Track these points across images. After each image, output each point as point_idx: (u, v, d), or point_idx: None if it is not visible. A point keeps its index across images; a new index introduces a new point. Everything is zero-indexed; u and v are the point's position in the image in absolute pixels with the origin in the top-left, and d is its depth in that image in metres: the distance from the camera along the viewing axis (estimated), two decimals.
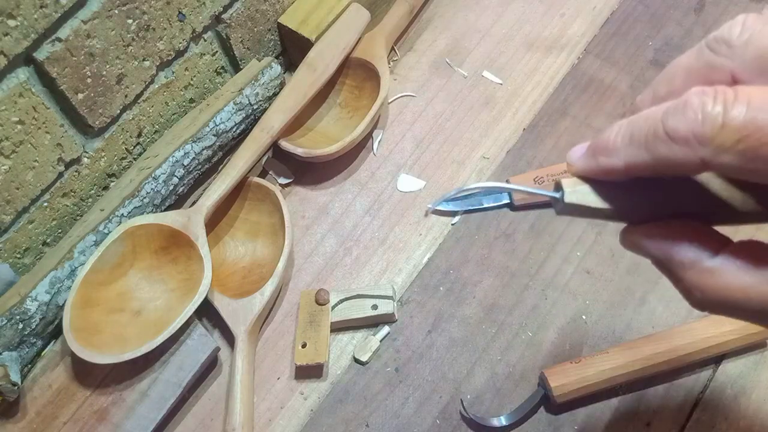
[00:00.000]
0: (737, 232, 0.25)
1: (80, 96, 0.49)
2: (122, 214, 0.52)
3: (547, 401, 0.48)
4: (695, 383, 0.49)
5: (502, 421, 0.47)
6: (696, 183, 0.26)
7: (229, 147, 0.59)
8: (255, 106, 0.58)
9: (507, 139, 0.61)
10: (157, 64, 0.54)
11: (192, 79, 0.58)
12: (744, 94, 0.21)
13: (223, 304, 0.51)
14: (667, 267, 0.26)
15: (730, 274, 0.24)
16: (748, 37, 0.23)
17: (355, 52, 0.61)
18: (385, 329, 0.52)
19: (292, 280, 0.55)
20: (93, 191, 0.55)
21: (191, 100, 0.60)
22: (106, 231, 0.51)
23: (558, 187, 0.27)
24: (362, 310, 0.51)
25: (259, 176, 0.58)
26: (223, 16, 0.56)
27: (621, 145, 0.24)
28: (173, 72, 0.56)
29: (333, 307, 0.52)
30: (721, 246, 0.25)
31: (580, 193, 0.27)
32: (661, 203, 0.27)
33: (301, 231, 0.57)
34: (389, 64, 0.66)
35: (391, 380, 0.50)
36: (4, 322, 0.47)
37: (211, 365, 0.51)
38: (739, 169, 0.21)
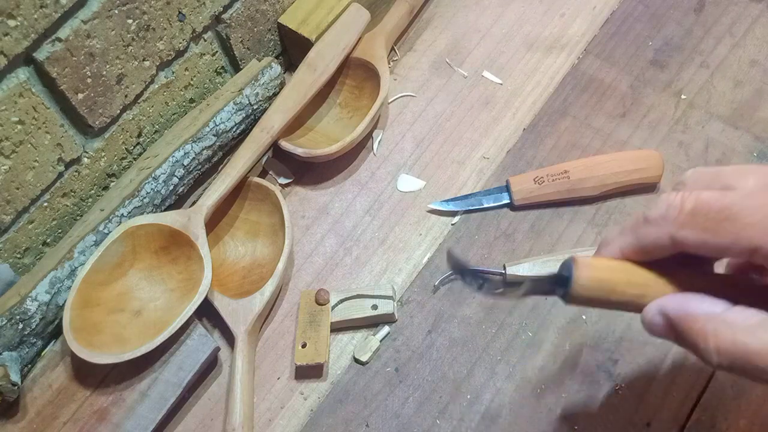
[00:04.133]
0: None
1: (80, 96, 0.49)
2: (122, 214, 0.52)
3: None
4: (695, 383, 0.49)
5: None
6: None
7: (229, 147, 0.59)
8: (255, 106, 0.58)
9: (507, 139, 0.61)
10: (157, 64, 0.54)
11: (192, 79, 0.58)
12: (695, 193, 0.29)
13: (223, 304, 0.51)
14: (685, 327, 0.28)
15: (747, 330, 0.26)
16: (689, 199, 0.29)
17: (355, 52, 0.61)
18: (385, 329, 0.52)
19: (292, 280, 0.55)
20: (93, 191, 0.55)
21: (191, 100, 0.60)
22: (106, 231, 0.51)
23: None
24: (362, 310, 0.51)
25: (259, 176, 0.58)
26: (223, 16, 0.56)
27: (614, 236, 0.32)
28: (173, 72, 0.56)
29: (333, 307, 0.52)
30: (736, 296, 0.28)
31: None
32: None
33: (301, 231, 0.57)
34: (389, 64, 0.66)
35: (391, 380, 0.50)
36: (4, 322, 0.47)
37: (211, 365, 0.51)
38: (695, 242, 0.28)
